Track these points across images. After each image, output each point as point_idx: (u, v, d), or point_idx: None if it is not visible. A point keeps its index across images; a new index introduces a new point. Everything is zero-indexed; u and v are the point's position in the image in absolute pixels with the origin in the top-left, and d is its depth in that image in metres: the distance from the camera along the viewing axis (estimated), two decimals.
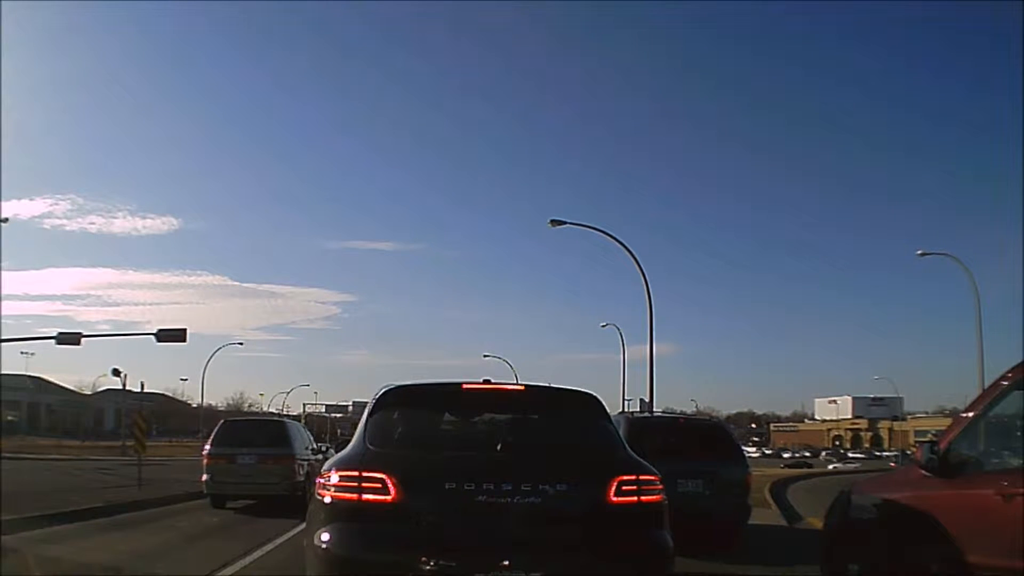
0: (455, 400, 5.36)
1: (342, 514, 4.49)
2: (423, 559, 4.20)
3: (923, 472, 5.07)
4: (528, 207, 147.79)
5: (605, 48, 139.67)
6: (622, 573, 4.51)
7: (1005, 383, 4.96)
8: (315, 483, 4.87)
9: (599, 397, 5.44)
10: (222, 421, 17.59)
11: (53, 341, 33.18)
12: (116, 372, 33.27)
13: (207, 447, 15.71)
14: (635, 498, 4.59)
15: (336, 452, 5.52)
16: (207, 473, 14.95)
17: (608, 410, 5.55)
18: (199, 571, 7.98)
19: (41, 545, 9.15)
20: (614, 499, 4.54)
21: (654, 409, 26.69)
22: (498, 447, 4.88)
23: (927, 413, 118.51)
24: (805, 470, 49.13)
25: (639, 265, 25.87)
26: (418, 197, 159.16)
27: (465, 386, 5.28)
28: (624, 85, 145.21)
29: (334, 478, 4.59)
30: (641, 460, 4.93)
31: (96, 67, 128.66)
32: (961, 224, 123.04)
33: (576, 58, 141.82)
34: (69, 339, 33.23)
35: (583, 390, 5.59)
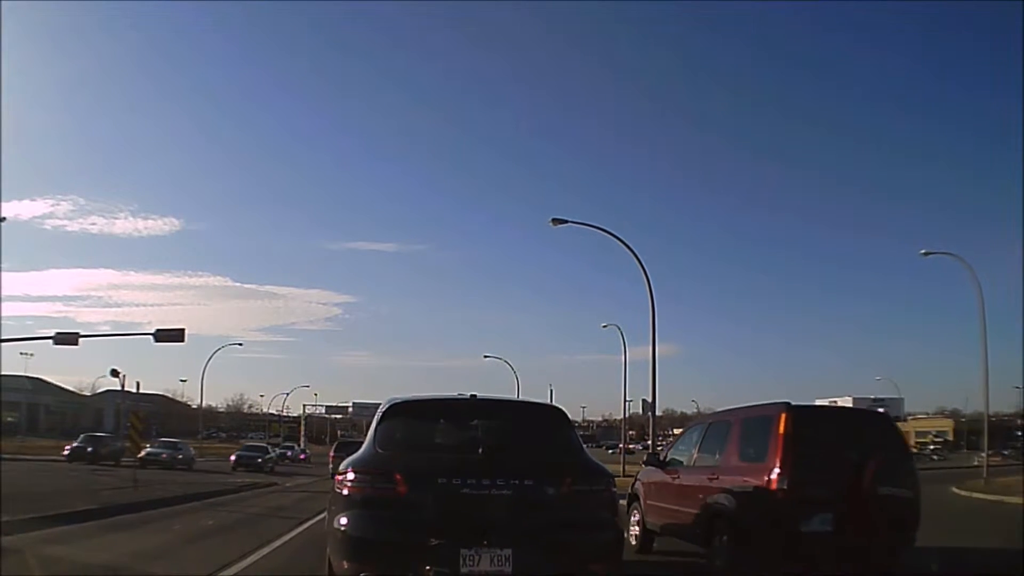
0: (447, 412, 6.46)
1: (357, 503, 5.50)
2: (426, 537, 5.20)
3: (655, 467, 10.33)
4: (529, 208, 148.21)
5: (607, 47, 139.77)
6: (578, 548, 5.50)
7: (691, 424, 11.08)
8: (334, 480, 5.95)
9: (564, 410, 6.68)
10: (338, 441, 33.29)
11: (51, 341, 33.15)
12: (115, 373, 32.92)
13: (332, 452, 29.68)
14: (587, 490, 5.72)
15: (336, 452, 6.71)
16: (332, 465, 26.04)
17: (571, 420, 6.73)
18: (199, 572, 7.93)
19: (38, 546, 9.05)
20: (570, 491, 5.60)
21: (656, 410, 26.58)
22: (480, 451, 5.79)
23: (928, 414, 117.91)
24: None
25: (640, 263, 25.83)
26: (420, 198, 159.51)
27: (455, 400, 6.47)
28: (625, 85, 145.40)
29: (350, 475, 5.62)
30: (595, 460, 6.13)
31: (97, 68, 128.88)
32: (965, 224, 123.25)
33: (577, 57, 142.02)
34: (67, 339, 33.15)
35: (551, 404, 7.15)
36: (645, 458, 11.25)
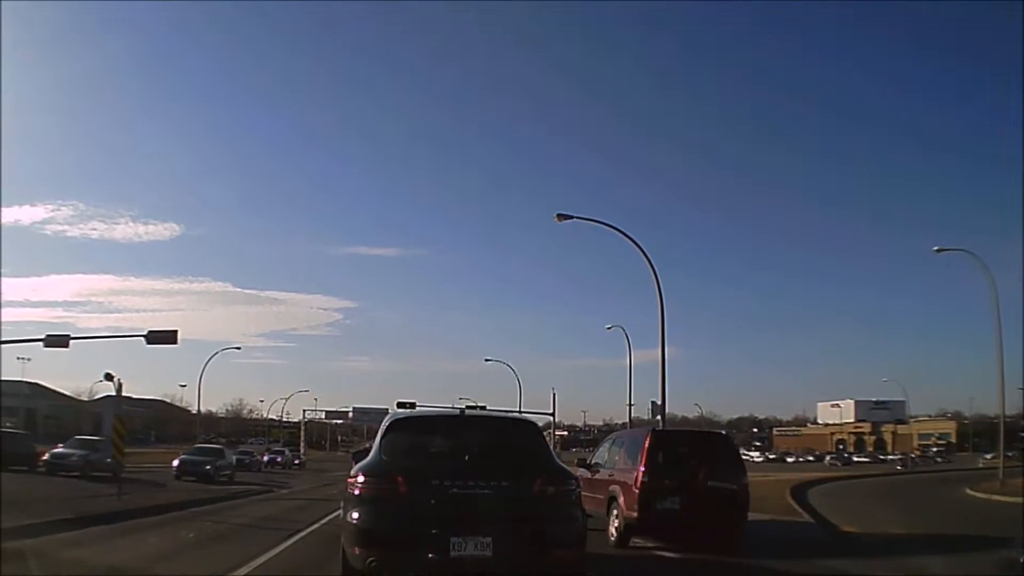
0: (439, 425, 7.90)
1: (366, 501, 6.67)
2: (422, 528, 6.34)
3: (584, 468, 14.11)
4: (532, 211, 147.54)
5: (609, 47, 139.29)
6: (547, 537, 6.58)
7: (607, 438, 15.99)
8: (347, 482, 7.13)
9: (536, 423, 8.67)
10: (355, 449, 29.52)
11: (41, 344, 32.42)
12: (109, 376, 32.28)
13: (352, 459, 25.81)
14: (554, 489, 6.87)
15: (355, 459, 7.64)
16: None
17: (543, 431, 8.20)
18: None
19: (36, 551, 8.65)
20: (540, 490, 6.79)
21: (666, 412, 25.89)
22: (466, 457, 7.06)
23: (930, 416, 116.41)
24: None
25: (647, 257, 25.08)
26: (422, 202, 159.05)
27: (446, 416, 8.13)
28: (625, 84, 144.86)
29: (360, 478, 6.81)
30: (562, 464, 7.53)
31: (98, 71, 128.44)
32: (966, 219, 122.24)
33: (577, 57, 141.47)
34: (57, 342, 32.46)
35: (526, 418, 9.57)
36: (576, 461, 14.70)
